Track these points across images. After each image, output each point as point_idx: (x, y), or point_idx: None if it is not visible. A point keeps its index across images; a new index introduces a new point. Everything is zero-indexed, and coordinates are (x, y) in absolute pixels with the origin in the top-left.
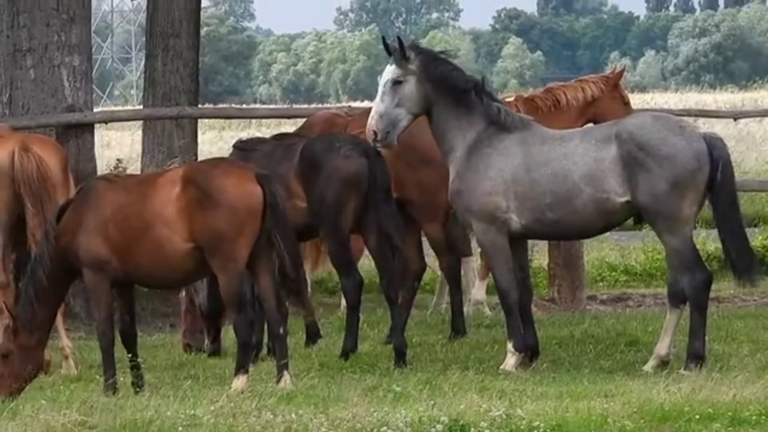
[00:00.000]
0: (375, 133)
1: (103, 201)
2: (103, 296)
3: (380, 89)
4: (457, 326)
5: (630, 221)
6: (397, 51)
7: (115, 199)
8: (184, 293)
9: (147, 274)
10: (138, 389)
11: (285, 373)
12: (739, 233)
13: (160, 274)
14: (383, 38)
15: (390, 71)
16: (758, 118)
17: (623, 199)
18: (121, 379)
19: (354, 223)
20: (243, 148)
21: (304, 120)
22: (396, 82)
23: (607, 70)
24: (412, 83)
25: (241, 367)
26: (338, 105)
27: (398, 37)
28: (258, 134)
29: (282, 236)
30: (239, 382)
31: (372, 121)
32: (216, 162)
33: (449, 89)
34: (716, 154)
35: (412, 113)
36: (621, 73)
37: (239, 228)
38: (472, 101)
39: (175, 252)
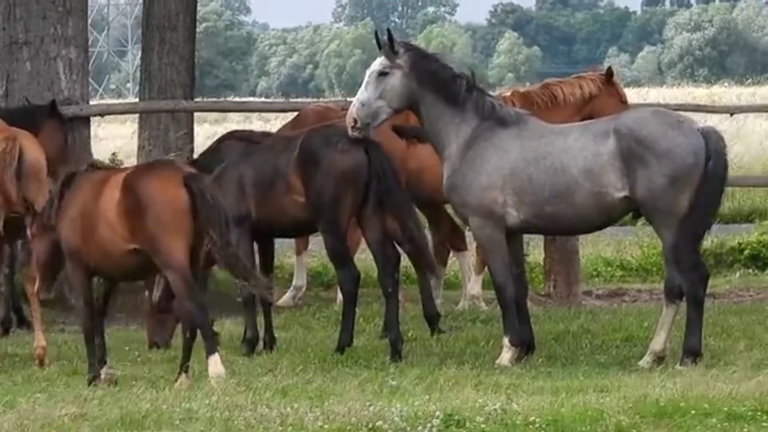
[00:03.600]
0: (355, 120)
1: (78, 191)
2: (79, 286)
3: (365, 79)
4: (430, 311)
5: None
6: (387, 43)
7: (84, 191)
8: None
9: (104, 269)
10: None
11: (210, 358)
12: (700, 224)
13: (114, 270)
14: (376, 33)
15: (377, 62)
16: (754, 114)
17: (622, 194)
18: (119, 372)
19: (352, 216)
20: (248, 140)
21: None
22: (382, 74)
23: (606, 65)
24: (397, 76)
25: (209, 351)
26: (334, 99)
27: (388, 30)
28: (253, 128)
29: (216, 234)
30: (213, 366)
31: (353, 109)
32: (152, 166)
33: (438, 85)
34: (710, 147)
35: (392, 107)
36: (609, 72)
37: (168, 230)
38: (464, 97)
39: (120, 252)
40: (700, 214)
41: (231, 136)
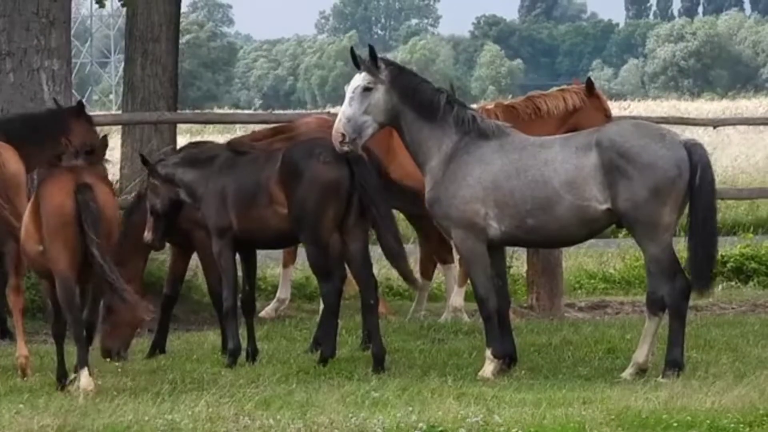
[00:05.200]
0: (342, 135)
1: None
2: (43, 291)
3: (349, 94)
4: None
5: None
6: (369, 59)
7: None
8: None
9: (44, 274)
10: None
11: (81, 372)
12: (708, 242)
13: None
14: (352, 50)
15: (361, 78)
16: (737, 126)
17: (604, 207)
18: (100, 382)
19: (335, 228)
20: (236, 150)
21: (288, 122)
22: (366, 89)
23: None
24: (381, 92)
25: (80, 365)
26: (317, 111)
27: (370, 45)
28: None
29: (92, 244)
30: (83, 379)
31: (339, 125)
32: (56, 172)
33: (418, 100)
34: (695, 160)
35: (377, 122)
36: (589, 83)
37: (54, 236)
38: (444, 111)
39: (39, 256)
40: (703, 233)
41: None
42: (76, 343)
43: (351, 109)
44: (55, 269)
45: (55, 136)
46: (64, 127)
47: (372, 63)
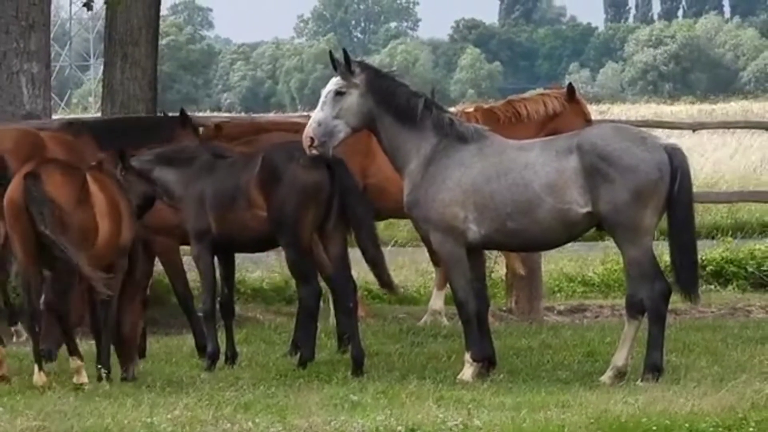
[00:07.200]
0: (311, 139)
1: None
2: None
3: (322, 98)
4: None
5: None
6: (343, 63)
7: None
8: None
9: None
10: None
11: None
12: (689, 248)
13: None
14: (330, 53)
15: (333, 82)
16: (717, 130)
17: (585, 210)
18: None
19: (314, 232)
20: (218, 154)
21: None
22: (338, 93)
23: (567, 82)
24: (354, 96)
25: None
26: (298, 114)
27: (344, 50)
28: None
29: (45, 232)
30: (36, 375)
31: (309, 128)
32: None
33: (395, 104)
34: (675, 164)
35: (350, 126)
36: (570, 88)
37: (11, 229)
38: (422, 115)
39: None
40: (684, 238)
41: None
42: (28, 334)
43: (322, 113)
44: (18, 262)
45: (155, 142)
46: (170, 134)
47: (346, 67)
